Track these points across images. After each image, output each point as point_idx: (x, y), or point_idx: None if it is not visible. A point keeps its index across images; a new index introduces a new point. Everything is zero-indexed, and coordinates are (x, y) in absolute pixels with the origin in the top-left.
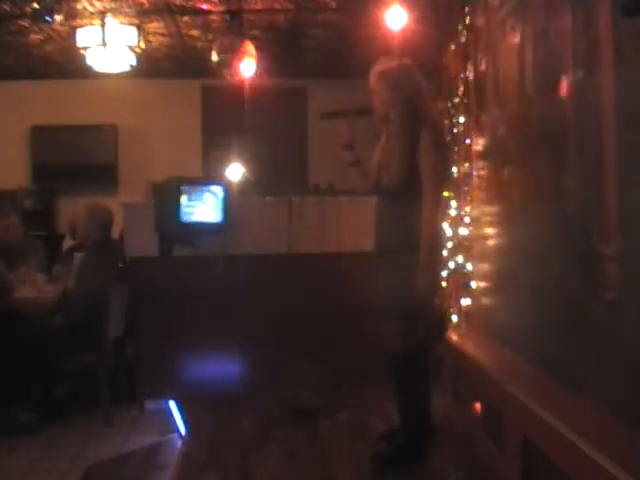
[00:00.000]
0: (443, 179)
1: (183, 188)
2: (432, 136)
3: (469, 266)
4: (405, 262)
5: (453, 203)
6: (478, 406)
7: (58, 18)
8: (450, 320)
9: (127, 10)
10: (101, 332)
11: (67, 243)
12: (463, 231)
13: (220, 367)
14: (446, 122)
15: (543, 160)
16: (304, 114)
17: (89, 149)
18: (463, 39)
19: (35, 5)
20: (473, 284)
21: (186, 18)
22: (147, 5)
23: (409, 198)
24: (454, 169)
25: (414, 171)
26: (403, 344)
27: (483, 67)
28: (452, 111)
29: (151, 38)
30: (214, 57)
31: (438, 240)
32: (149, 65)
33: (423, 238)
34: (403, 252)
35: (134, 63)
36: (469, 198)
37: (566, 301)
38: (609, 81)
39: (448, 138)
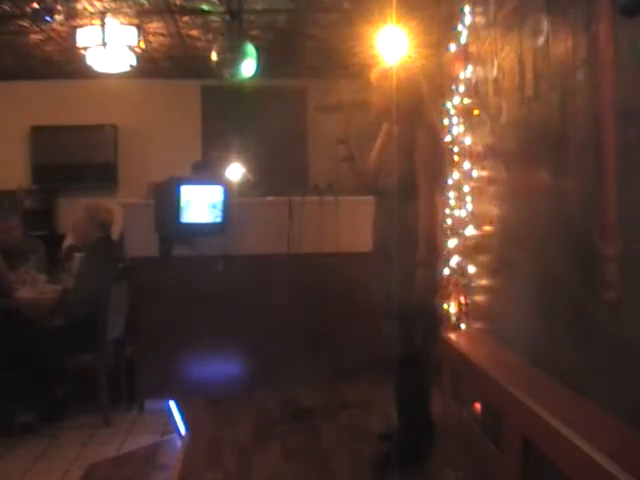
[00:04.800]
0: (441, 179)
1: (183, 188)
2: (430, 136)
3: (469, 266)
4: (404, 262)
5: (453, 203)
6: (478, 406)
7: (58, 18)
8: (450, 320)
9: (127, 10)
10: (101, 332)
11: (67, 242)
12: (463, 231)
13: (220, 367)
14: (446, 122)
15: (543, 160)
16: (304, 114)
17: (89, 149)
18: (463, 39)
19: (35, 5)
20: (473, 284)
21: (186, 18)
22: (147, 5)
23: (408, 198)
24: (454, 169)
25: (413, 171)
26: (403, 344)
27: (483, 67)
28: (452, 111)
29: (151, 38)
30: (214, 57)
31: (437, 239)
32: (149, 65)
33: (422, 236)
34: (402, 252)
35: (134, 63)
36: (469, 198)
37: (566, 301)
38: (609, 80)
39: (448, 138)
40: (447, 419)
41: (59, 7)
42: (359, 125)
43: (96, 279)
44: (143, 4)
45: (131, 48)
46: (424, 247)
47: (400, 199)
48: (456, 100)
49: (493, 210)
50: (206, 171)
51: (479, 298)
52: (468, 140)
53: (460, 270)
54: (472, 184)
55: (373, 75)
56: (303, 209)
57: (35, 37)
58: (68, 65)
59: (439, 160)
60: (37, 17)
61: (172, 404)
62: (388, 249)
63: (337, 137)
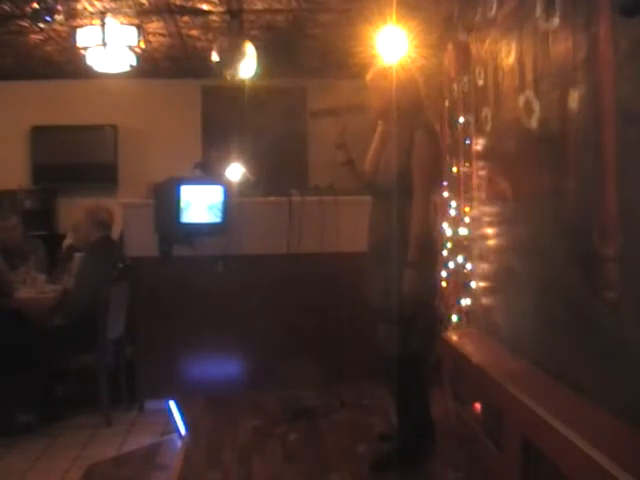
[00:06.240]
0: (436, 178)
1: (183, 188)
2: (428, 136)
3: (469, 266)
4: (400, 263)
5: (453, 203)
6: (478, 406)
7: (58, 18)
8: (450, 320)
9: (127, 10)
10: (101, 332)
11: (67, 242)
12: (463, 231)
13: (220, 367)
14: (446, 122)
15: (543, 160)
16: (304, 114)
17: (89, 149)
18: (463, 39)
19: (35, 5)
20: (473, 284)
21: (186, 18)
22: (147, 5)
23: (404, 198)
24: (454, 169)
25: (409, 170)
26: (399, 346)
27: (483, 67)
28: (452, 111)
29: (151, 38)
30: (214, 57)
31: (433, 239)
32: (149, 65)
33: (412, 235)
34: (397, 252)
35: (134, 63)
36: (469, 198)
37: (566, 301)
38: (609, 80)
39: (447, 138)
40: (447, 419)
41: (59, 7)
42: (356, 128)
43: (96, 279)
44: (143, 4)
45: (131, 48)
46: (415, 248)
47: (396, 199)
48: (456, 100)
49: (493, 210)
50: (207, 170)
51: (479, 298)
52: (468, 140)
53: (460, 270)
54: (472, 184)
55: (369, 75)
56: (303, 209)
57: (35, 37)
58: (68, 65)
59: (436, 160)
60: (37, 17)
61: (172, 404)
62: (383, 250)
63: (335, 142)
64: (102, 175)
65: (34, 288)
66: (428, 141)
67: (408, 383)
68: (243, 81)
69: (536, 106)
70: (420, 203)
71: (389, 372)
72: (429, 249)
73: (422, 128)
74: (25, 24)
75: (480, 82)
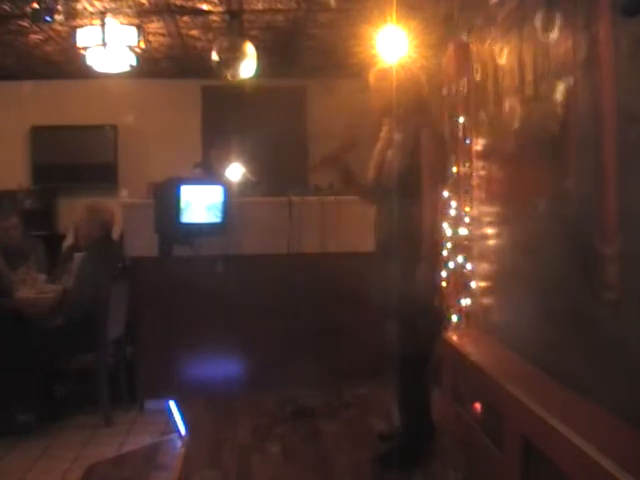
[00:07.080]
0: (443, 178)
1: (183, 188)
2: (434, 135)
3: (469, 266)
4: (407, 261)
5: (453, 203)
6: (478, 406)
7: (58, 18)
8: (450, 320)
9: (127, 10)
10: (101, 332)
11: (67, 242)
12: (463, 231)
13: (220, 367)
14: (446, 122)
15: (543, 160)
16: (304, 114)
17: (89, 149)
18: (463, 39)
19: (35, 5)
20: (473, 284)
21: (186, 18)
22: (147, 5)
23: (410, 197)
24: (454, 169)
25: (414, 169)
26: (403, 345)
27: (483, 67)
28: (452, 111)
29: (151, 38)
30: (214, 57)
31: (437, 238)
32: (149, 65)
33: (425, 232)
34: (405, 251)
35: (134, 63)
36: (469, 198)
37: (566, 301)
38: (609, 80)
39: (448, 138)
40: (447, 419)
41: (59, 7)
42: (358, 165)
43: (96, 279)
44: (143, 4)
45: (131, 48)
46: (427, 244)
47: (402, 198)
48: (456, 100)
49: (493, 210)
50: (207, 170)
51: (479, 298)
52: (468, 140)
53: (460, 270)
54: (472, 184)
55: (372, 76)
56: (303, 209)
57: (35, 37)
58: (68, 65)
59: (441, 160)
60: (37, 17)
61: (172, 404)
62: (390, 249)
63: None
64: (102, 175)
65: (34, 288)
66: (435, 140)
67: (410, 383)
68: (243, 81)
69: (536, 106)
70: (429, 202)
71: (393, 370)
72: (434, 246)
73: (427, 128)
74: (25, 24)
75: (480, 82)
